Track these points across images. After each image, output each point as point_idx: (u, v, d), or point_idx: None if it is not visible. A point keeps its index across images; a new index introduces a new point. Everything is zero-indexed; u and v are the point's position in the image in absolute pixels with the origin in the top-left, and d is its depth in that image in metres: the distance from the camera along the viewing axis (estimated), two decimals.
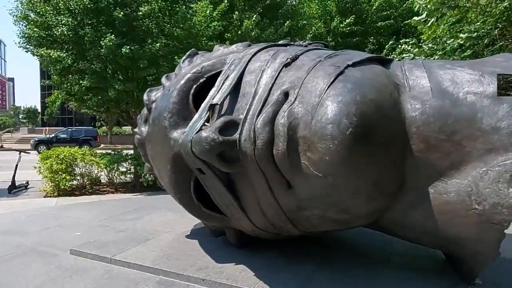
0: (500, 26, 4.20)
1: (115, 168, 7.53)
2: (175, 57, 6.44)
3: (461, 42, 4.50)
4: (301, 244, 2.23)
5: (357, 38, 17.49)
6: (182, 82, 1.85)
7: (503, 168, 1.37)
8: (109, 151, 8.61)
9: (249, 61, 1.74)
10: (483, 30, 4.20)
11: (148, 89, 2.25)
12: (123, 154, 7.82)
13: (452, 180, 1.49)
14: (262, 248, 2.20)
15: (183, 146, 1.61)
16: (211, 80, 1.86)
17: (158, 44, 6.36)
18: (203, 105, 1.71)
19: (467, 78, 1.54)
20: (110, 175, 7.63)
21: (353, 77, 1.43)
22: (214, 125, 1.50)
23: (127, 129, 29.35)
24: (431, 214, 1.54)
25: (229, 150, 1.48)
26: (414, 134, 1.49)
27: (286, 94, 1.48)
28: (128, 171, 7.67)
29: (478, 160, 1.43)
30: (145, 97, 2.18)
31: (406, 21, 9.98)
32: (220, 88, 1.70)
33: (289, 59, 1.61)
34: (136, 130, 2.24)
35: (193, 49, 2.30)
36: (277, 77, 1.56)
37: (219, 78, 1.77)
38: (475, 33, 4.23)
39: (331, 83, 1.38)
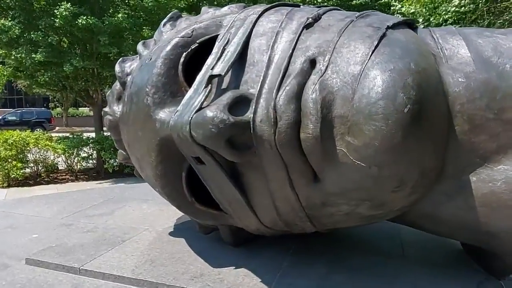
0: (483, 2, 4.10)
1: (74, 154, 6.85)
2: (142, 30, 5.77)
3: (446, 17, 4.37)
4: (304, 240, 1.96)
5: None
6: (168, 48, 1.46)
7: None
8: (67, 134, 7.85)
9: (255, 21, 1.38)
10: (470, 6, 4.09)
11: (121, 59, 1.82)
12: (84, 137, 7.12)
13: (499, 167, 1.26)
14: (261, 246, 1.91)
15: (176, 129, 1.25)
16: (204, 48, 1.50)
17: (121, 15, 5.65)
18: (199, 76, 1.34)
19: (511, 47, 1.30)
20: (69, 162, 6.95)
21: (399, 41, 1.14)
22: (220, 101, 1.14)
23: (85, 110, 27.56)
24: (472, 206, 1.32)
25: (239, 134, 1.15)
26: (458, 113, 1.24)
27: (312, 62, 1.16)
28: (90, 157, 7.02)
29: None
30: (117, 68, 1.76)
31: (380, 1, 9.82)
32: (221, 56, 1.33)
33: (310, 19, 1.27)
34: (106, 109, 1.83)
35: (175, 10, 1.89)
36: (297, 40, 1.23)
37: (217, 44, 1.41)
38: (462, 8, 4.10)
39: (376, 47, 1.08)
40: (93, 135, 7.77)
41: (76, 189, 5.05)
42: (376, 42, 1.09)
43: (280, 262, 1.74)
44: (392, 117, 0.97)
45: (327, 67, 1.11)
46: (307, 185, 1.20)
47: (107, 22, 5.41)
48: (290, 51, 1.20)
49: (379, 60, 1.05)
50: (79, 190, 4.42)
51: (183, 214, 2.59)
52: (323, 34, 1.21)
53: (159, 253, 1.86)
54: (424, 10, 5.14)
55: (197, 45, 1.48)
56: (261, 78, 1.19)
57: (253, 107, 1.15)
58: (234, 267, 1.68)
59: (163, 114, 1.40)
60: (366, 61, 1.05)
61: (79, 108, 31.38)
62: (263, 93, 1.16)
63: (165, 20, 1.85)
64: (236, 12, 1.62)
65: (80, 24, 5.21)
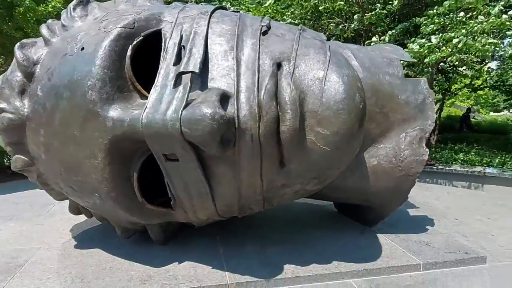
0: (310, 17, 5.12)
1: None
2: None
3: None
4: (222, 226, 2.12)
5: None
6: (112, 38, 1.34)
7: (415, 133, 1.79)
8: None
9: (208, 21, 1.44)
10: (299, 21, 5.02)
11: (19, 44, 1.49)
12: None
13: (381, 145, 1.82)
14: (187, 240, 1.97)
15: (155, 126, 1.19)
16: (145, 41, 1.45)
17: None
18: (162, 72, 1.31)
19: (380, 61, 1.87)
20: None
21: (338, 52, 1.47)
22: (210, 98, 1.18)
23: None
24: (366, 176, 1.84)
25: (227, 129, 1.23)
26: None
27: (279, 65, 1.35)
28: None
29: (398, 128, 1.81)
30: (19, 54, 1.44)
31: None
32: (179, 52, 1.34)
33: (265, 27, 1.45)
34: (2, 106, 1.45)
35: None
36: (259, 45, 1.38)
37: (169, 40, 1.39)
38: (296, 20, 4.99)
39: (330, 56, 1.37)
40: None
41: None
42: (329, 53, 1.38)
43: (216, 248, 1.85)
44: (353, 111, 1.29)
45: (293, 70, 1.33)
46: (275, 170, 1.39)
47: None
48: (257, 54, 1.35)
49: (335, 67, 1.34)
50: None
51: (74, 225, 2.27)
52: (281, 42, 1.41)
53: (81, 268, 1.64)
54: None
55: (141, 37, 1.41)
56: (235, 77, 1.30)
57: (235, 104, 1.25)
58: (177, 262, 1.69)
59: (114, 111, 1.29)
60: (327, 67, 1.33)
61: None
62: (241, 91, 1.27)
63: (74, 3, 1.62)
64: (161, 7, 1.60)
65: None
